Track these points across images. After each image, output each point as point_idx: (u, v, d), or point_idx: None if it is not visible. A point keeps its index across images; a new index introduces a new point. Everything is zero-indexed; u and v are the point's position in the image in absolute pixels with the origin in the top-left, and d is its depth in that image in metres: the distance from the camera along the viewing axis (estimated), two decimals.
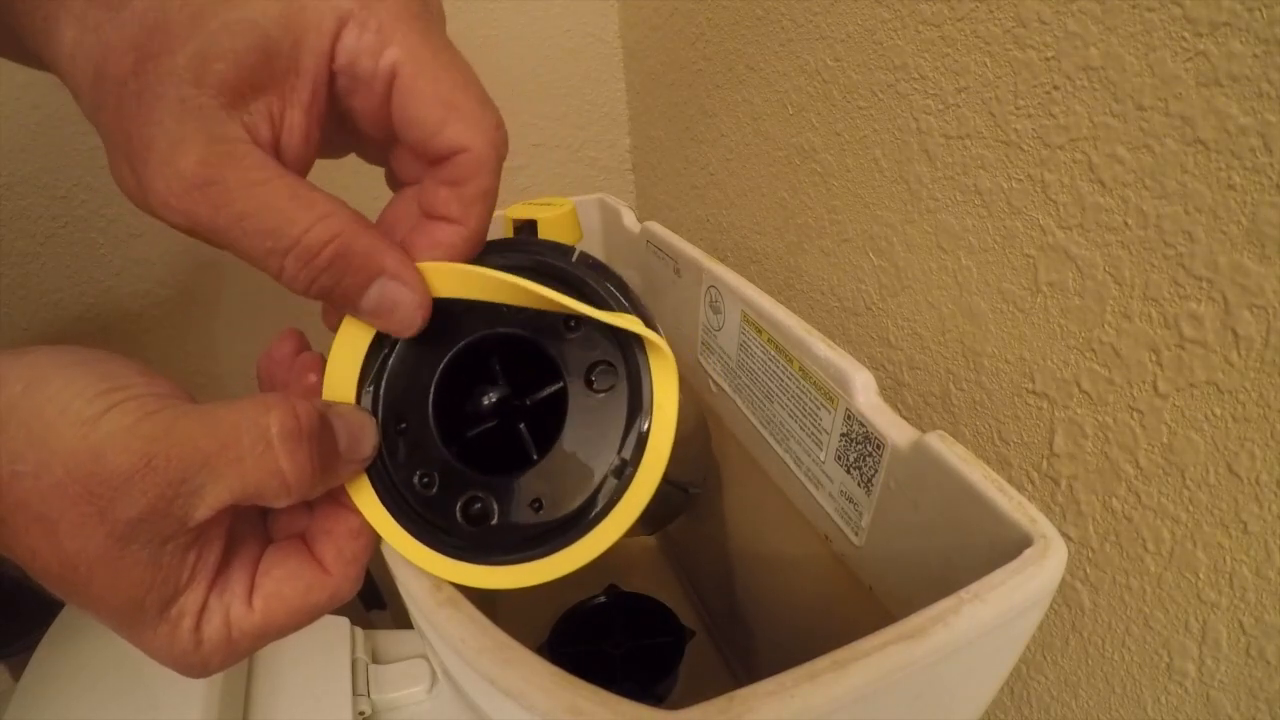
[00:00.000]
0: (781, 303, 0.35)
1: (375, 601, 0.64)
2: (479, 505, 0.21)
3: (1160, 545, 0.28)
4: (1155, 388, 0.27)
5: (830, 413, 0.31)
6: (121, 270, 0.59)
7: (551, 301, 0.20)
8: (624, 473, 0.20)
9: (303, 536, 0.22)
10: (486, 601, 0.19)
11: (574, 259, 0.22)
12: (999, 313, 0.33)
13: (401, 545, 0.21)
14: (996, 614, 0.20)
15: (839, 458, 0.31)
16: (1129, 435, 0.28)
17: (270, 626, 0.21)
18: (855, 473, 0.30)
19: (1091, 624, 0.32)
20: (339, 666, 0.38)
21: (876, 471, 0.29)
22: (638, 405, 0.20)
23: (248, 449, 0.18)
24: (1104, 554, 0.31)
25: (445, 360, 0.22)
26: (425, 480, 0.21)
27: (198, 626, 0.19)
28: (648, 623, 0.52)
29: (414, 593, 0.21)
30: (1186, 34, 0.23)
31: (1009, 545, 0.22)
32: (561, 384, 0.21)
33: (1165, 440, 0.27)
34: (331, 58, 0.19)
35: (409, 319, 0.21)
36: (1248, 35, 0.22)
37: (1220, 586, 0.27)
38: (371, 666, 0.39)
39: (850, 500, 0.31)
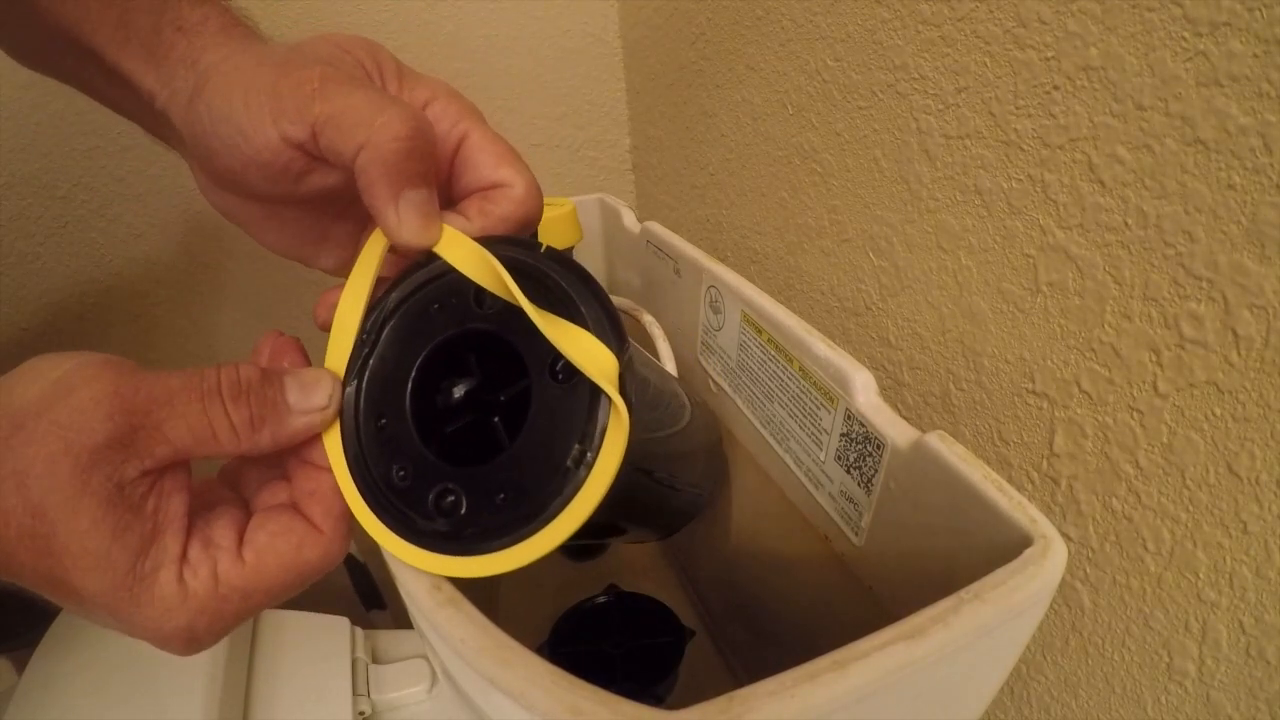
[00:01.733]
0: (781, 303, 0.35)
1: (375, 601, 0.64)
2: (450, 498, 0.21)
3: (1160, 545, 0.28)
4: (1155, 388, 0.27)
5: (830, 413, 0.31)
6: (121, 270, 0.59)
7: (517, 302, 0.21)
8: (583, 461, 0.20)
9: (288, 504, 0.23)
10: (486, 601, 0.19)
11: (540, 252, 0.22)
12: (999, 313, 0.33)
13: (381, 537, 0.22)
14: (996, 614, 0.20)
15: (839, 458, 0.31)
16: (1129, 435, 0.28)
17: (260, 581, 0.21)
18: (855, 473, 0.30)
19: (1091, 624, 0.32)
20: (339, 666, 0.38)
21: (876, 471, 0.29)
22: (598, 395, 0.20)
23: (206, 392, 0.20)
24: (1104, 554, 0.31)
25: (421, 357, 0.23)
26: (401, 473, 0.22)
27: (180, 578, 0.20)
28: (648, 623, 0.52)
29: (414, 593, 0.21)
30: (1186, 34, 0.23)
31: (1009, 545, 0.22)
32: (529, 379, 0.22)
33: (1165, 440, 0.27)
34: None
35: (434, 231, 0.23)
36: (1248, 35, 0.22)
37: (1220, 586, 0.27)
38: (371, 666, 0.39)
39: (850, 500, 0.31)
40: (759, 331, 0.36)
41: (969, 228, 0.33)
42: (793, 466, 0.35)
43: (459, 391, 0.24)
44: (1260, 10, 0.21)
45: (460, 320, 0.23)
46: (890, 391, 0.41)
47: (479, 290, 0.22)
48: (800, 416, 0.34)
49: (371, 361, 0.23)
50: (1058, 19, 0.27)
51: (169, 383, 0.20)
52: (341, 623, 0.40)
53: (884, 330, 0.41)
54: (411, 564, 0.21)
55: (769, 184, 0.49)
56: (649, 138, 0.69)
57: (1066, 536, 0.32)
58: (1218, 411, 0.25)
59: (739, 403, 0.40)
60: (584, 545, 0.59)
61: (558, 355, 0.21)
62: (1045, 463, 0.32)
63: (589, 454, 0.20)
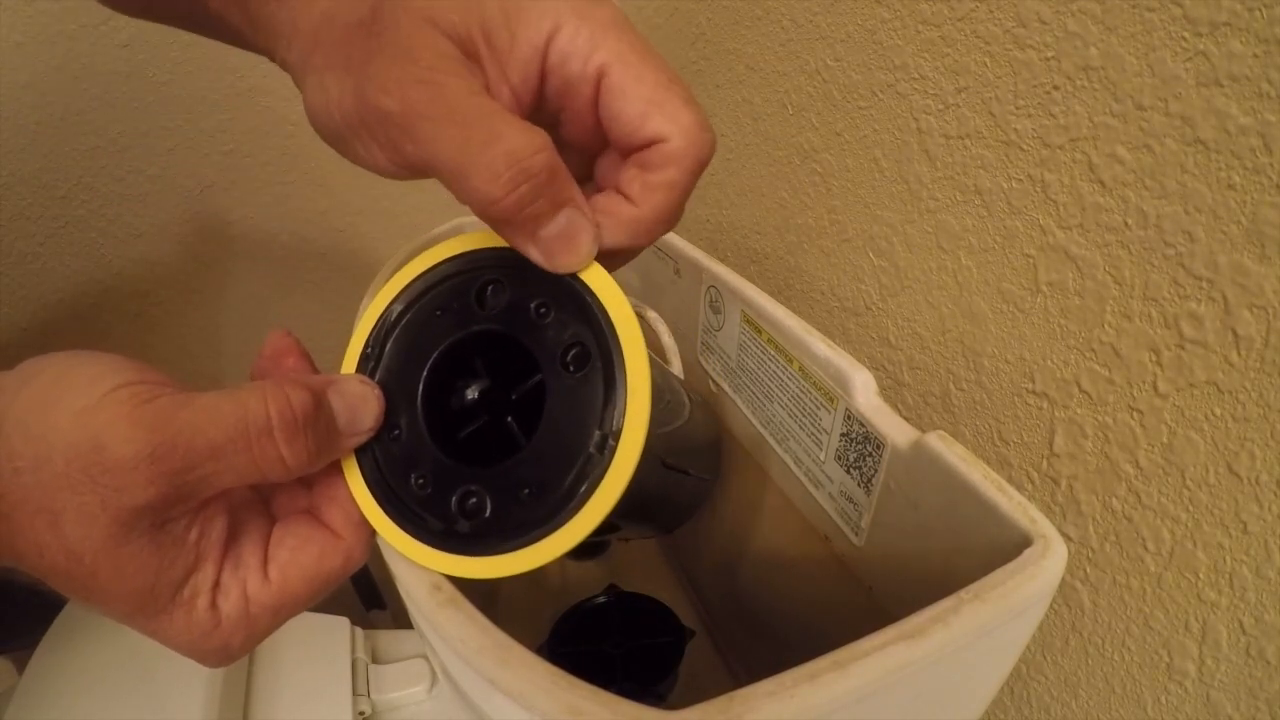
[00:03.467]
0: (781, 303, 0.35)
1: (375, 601, 0.64)
2: (474, 500, 0.21)
3: (1160, 545, 0.28)
4: (1155, 388, 0.27)
5: (830, 413, 0.31)
6: (121, 270, 0.59)
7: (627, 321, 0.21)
8: (606, 445, 0.20)
9: (308, 511, 0.23)
10: (486, 601, 0.19)
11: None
12: (999, 313, 0.33)
13: (405, 547, 0.22)
14: (996, 614, 0.20)
15: (839, 458, 0.31)
16: (1129, 435, 0.28)
17: (287, 597, 0.21)
18: (855, 473, 0.30)
19: (1091, 624, 0.32)
20: (339, 666, 0.38)
21: (876, 471, 0.29)
22: (612, 379, 0.21)
23: (254, 439, 0.19)
24: (1104, 554, 0.31)
25: (430, 363, 0.23)
26: (420, 481, 0.22)
27: (214, 604, 0.20)
28: (648, 623, 0.51)
29: (414, 593, 0.21)
30: (1186, 34, 0.23)
31: (1009, 545, 0.22)
32: (541, 375, 0.22)
33: (1165, 440, 0.27)
34: (545, 54, 0.20)
35: (586, 251, 0.21)
36: (1248, 35, 0.22)
37: (1220, 586, 0.27)
38: (371, 666, 0.39)
39: (850, 500, 0.31)
40: (759, 331, 0.36)
41: (969, 228, 0.33)
42: (793, 466, 0.35)
43: (473, 394, 0.24)
44: (1260, 10, 0.21)
45: (464, 323, 0.23)
46: (890, 391, 0.41)
47: (479, 292, 0.23)
48: (800, 416, 0.34)
49: (379, 373, 0.23)
50: (1058, 19, 0.27)
51: (210, 435, 0.18)
52: (341, 623, 0.40)
53: (884, 330, 0.41)
54: (447, 572, 0.21)
55: (769, 184, 0.49)
56: None
57: (1066, 536, 0.32)
58: (1218, 411, 0.25)
59: (739, 403, 0.40)
60: (585, 543, 0.59)
61: (568, 346, 0.21)
62: (1045, 463, 0.32)
63: (610, 439, 0.20)
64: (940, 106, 0.33)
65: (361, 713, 0.36)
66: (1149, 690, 0.30)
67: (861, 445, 0.29)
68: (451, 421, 0.24)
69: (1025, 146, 0.30)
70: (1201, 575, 0.27)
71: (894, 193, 0.38)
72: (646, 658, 0.50)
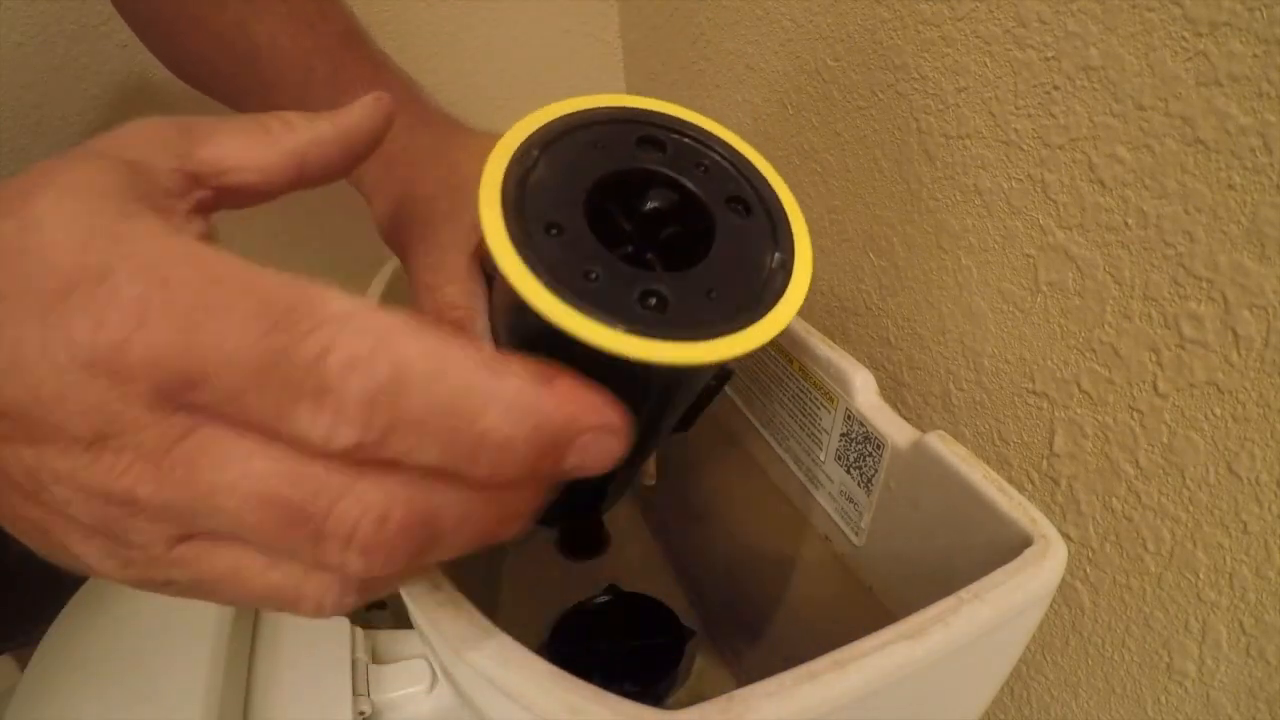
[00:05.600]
0: None
1: (375, 601, 0.64)
2: (654, 299, 0.21)
3: (1160, 545, 0.28)
4: (1155, 388, 0.27)
5: (830, 412, 0.31)
6: None
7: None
8: (785, 265, 0.22)
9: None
10: (487, 602, 0.19)
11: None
12: (999, 313, 0.33)
13: (583, 328, 0.20)
14: (996, 614, 0.20)
15: (839, 457, 0.31)
16: (1129, 435, 0.28)
17: None
18: (855, 473, 0.30)
19: (1091, 624, 0.32)
20: (339, 666, 0.38)
21: (876, 471, 0.29)
22: (778, 223, 0.23)
23: None
24: (1104, 554, 0.31)
25: (594, 180, 0.23)
26: (594, 276, 0.21)
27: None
28: (648, 623, 0.51)
29: (414, 592, 0.21)
30: (1186, 34, 0.23)
31: (1009, 545, 0.22)
32: (707, 215, 0.23)
33: (1165, 440, 0.27)
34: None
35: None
36: (1248, 35, 0.22)
37: (1220, 586, 0.27)
38: (371, 666, 0.39)
39: (850, 500, 0.31)
40: None
41: (969, 228, 0.33)
42: (792, 466, 0.35)
43: (656, 201, 0.25)
44: (1260, 10, 0.21)
45: (630, 159, 0.24)
46: (890, 391, 0.41)
47: (640, 140, 0.24)
48: (800, 416, 0.34)
49: (531, 181, 0.23)
50: (1058, 19, 0.27)
51: None
52: (341, 622, 0.40)
53: (884, 330, 0.41)
54: (633, 354, 0.19)
55: None
56: None
57: (1066, 536, 0.32)
58: (1218, 411, 0.25)
59: (739, 403, 0.40)
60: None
61: (730, 196, 0.23)
62: (1045, 463, 0.32)
63: (788, 260, 0.22)
64: (940, 106, 0.33)
65: (361, 713, 0.36)
66: (1149, 690, 0.30)
67: (861, 445, 0.29)
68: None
69: (1025, 146, 0.30)
70: (1201, 575, 0.27)
71: (894, 193, 0.38)
72: (646, 658, 0.50)
